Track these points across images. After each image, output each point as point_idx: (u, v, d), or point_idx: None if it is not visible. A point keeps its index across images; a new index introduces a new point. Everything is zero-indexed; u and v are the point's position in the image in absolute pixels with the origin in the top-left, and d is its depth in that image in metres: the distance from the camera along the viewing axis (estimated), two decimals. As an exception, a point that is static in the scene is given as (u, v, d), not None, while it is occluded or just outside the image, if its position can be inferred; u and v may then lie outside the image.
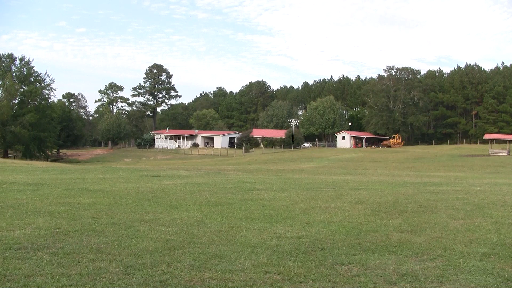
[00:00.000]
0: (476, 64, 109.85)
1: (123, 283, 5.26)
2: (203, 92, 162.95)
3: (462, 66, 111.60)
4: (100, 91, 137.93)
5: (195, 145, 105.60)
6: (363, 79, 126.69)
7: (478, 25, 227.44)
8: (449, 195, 14.30)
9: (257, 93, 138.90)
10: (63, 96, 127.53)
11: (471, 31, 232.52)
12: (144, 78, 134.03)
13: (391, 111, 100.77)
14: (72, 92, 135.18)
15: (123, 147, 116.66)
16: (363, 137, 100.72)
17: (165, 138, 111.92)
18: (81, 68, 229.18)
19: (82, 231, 7.95)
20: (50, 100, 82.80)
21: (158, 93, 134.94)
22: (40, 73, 78.36)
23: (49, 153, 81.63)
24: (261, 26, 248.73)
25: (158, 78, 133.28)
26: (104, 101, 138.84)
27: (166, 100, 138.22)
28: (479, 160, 53.13)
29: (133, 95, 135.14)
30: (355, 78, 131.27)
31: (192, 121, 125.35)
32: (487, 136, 77.08)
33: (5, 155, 69.95)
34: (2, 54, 77.50)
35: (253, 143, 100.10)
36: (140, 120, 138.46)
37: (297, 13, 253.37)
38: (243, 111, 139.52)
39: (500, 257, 6.62)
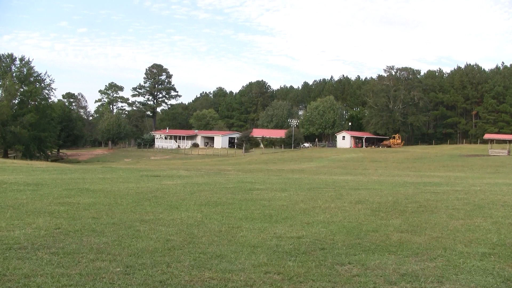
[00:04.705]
0: (476, 64, 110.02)
1: (123, 283, 5.26)
2: (203, 92, 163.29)
3: (462, 66, 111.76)
4: (100, 91, 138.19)
5: (195, 145, 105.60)
6: (363, 79, 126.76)
7: (478, 25, 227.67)
8: (449, 195, 14.29)
9: (257, 93, 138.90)
10: (63, 96, 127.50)
11: (471, 31, 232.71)
12: (144, 78, 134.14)
13: (391, 111, 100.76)
14: (72, 92, 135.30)
15: (123, 147, 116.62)
16: (363, 137, 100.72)
17: (165, 138, 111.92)
18: (81, 68, 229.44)
19: (82, 231, 7.94)
20: (50, 100, 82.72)
21: (158, 93, 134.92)
22: (40, 73, 78.31)
23: (49, 153, 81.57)
24: (262, 27, 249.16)
25: (158, 78, 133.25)
26: (104, 101, 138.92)
27: (166, 100, 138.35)
28: (479, 160, 53.13)
29: (133, 95, 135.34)
30: (355, 78, 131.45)
31: (192, 121, 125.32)
32: (487, 136, 77.10)
33: (5, 155, 69.90)
34: (2, 54, 77.50)
35: (253, 143, 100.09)
36: (140, 120, 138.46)
37: (298, 13, 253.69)
38: (243, 111, 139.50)
39: (500, 257, 6.61)
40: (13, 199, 11.99)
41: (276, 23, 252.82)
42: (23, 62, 76.61)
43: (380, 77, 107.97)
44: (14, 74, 75.33)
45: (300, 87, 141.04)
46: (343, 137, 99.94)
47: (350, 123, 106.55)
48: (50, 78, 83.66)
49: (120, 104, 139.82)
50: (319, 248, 7.01)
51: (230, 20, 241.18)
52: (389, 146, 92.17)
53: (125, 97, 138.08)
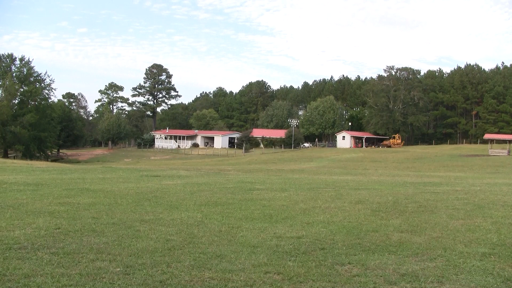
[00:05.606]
0: (476, 64, 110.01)
1: (123, 283, 5.26)
2: (203, 92, 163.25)
3: (462, 66, 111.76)
4: (100, 91, 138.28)
5: (195, 145, 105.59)
6: (363, 79, 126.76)
7: (479, 25, 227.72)
8: (449, 195, 14.29)
9: (257, 93, 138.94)
10: (63, 96, 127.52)
11: (471, 31, 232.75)
12: (144, 78, 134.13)
13: (391, 111, 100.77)
14: (72, 92, 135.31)
15: (123, 147, 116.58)
16: (363, 137, 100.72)
17: (165, 138, 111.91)
18: (82, 68, 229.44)
19: (82, 231, 7.94)
20: (50, 100, 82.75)
21: (158, 93, 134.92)
22: (40, 73, 78.36)
23: (49, 153, 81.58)
24: (262, 27, 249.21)
25: (158, 78, 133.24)
26: (104, 101, 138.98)
27: (166, 100, 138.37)
28: (479, 160, 53.13)
29: (133, 95, 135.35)
30: (355, 78, 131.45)
31: (192, 121, 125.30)
32: (487, 136, 77.08)
33: (5, 155, 69.90)
34: (2, 54, 77.54)
35: (253, 143, 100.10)
36: (140, 120, 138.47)
37: (298, 13, 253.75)
38: (243, 111, 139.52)
39: (500, 257, 6.61)
40: (13, 199, 11.99)
41: (276, 23, 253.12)
42: (23, 62, 76.65)
43: (380, 77, 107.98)
44: (14, 74, 75.35)
45: (300, 87, 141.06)
46: (343, 137, 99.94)
47: (350, 123, 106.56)
48: (50, 78, 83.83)
49: (120, 104, 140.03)
50: (319, 248, 7.01)
51: (230, 20, 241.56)
52: (389, 146, 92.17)
53: (125, 97, 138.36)
